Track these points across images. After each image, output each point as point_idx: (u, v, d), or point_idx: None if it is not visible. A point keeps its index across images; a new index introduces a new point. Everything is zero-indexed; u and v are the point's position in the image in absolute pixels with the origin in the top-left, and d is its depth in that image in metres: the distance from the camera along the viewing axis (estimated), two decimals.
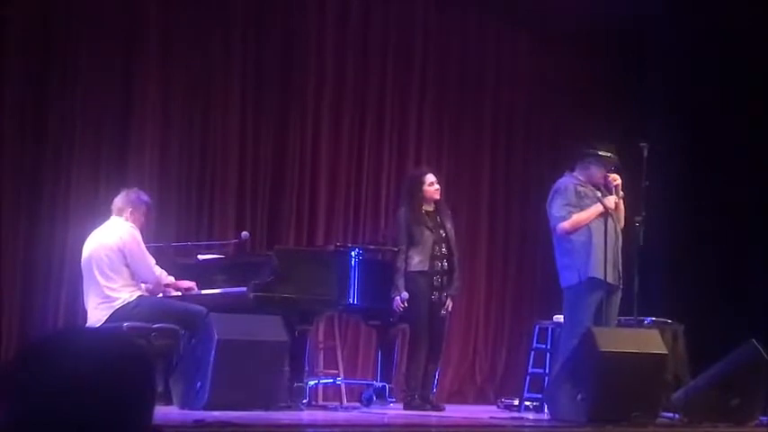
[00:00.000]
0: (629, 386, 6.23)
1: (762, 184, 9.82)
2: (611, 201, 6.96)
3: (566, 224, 6.93)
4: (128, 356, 1.54)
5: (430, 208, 7.57)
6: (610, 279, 6.83)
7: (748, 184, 9.84)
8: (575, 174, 7.13)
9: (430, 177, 7.59)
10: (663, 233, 9.00)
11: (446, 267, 7.48)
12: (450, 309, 7.52)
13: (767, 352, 6.93)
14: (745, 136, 9.85)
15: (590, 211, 6.93)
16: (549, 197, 7.08)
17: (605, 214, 6.88)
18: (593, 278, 6.80)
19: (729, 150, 9.89)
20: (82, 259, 6.75)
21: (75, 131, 7.90)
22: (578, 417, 6.15)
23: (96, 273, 6.63)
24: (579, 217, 6.92)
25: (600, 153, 7.10)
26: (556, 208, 6.98)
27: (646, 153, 7.03)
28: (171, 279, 6.94)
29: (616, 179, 7.08)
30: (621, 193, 7.09)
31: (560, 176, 7.19)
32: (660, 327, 7.45)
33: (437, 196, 7.55)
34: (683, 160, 9.99)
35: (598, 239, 6.84)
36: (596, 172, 7.08)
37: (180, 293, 6.99)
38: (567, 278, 6.94)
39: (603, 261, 6.78)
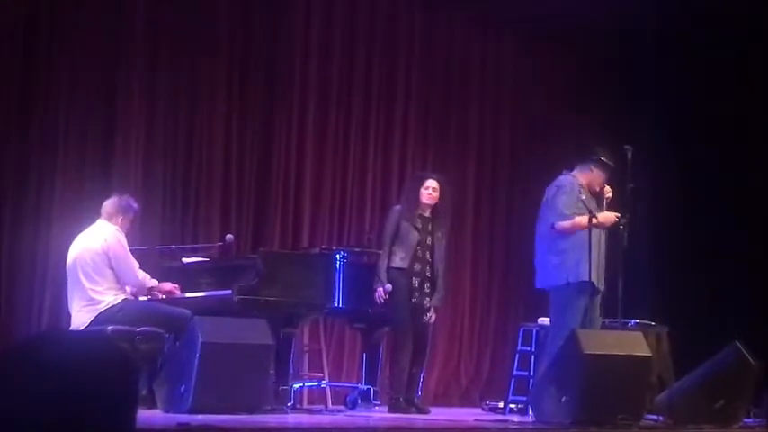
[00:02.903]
0: (614, 388, 6.24)
1: (746, 187, 9.86)
2: (610, 217, 6.98)
3: (566, 224, 6.94)
4: (110, 360, 1.54)
5: (426, 214, 7.57)
6: (596, 282, 6.88)
7: (733, 186, 9.87)
8: (574, 174, 7.16)
9: (429, 182, 7.59)
10: (647, 235, 9.04)
11: (428, 274, 7.48)
12: (432, 320, 7.53)
13: (751, 354, 6.96)
14: (732, 138, 9.89)
15: (586, 219, 6.95)
16: (552, 193, 7.07)
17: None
18: (584, 282, 6.84)
19: (715, 153, 9.92)
20: (67, 262, 6.73)
21: (59, 133, 7.88)
22: (563, 419, 6.16)
23: (81, 275, 6.61)
24: (581, 221, 6.94)
25: (603, 159, 7.14)
26: (561, 206, 6.98)
27: (630, 156, 7.05)
28: (154, 282, 6.93)
29: (609, 192, 7.16)
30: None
31: (558, 174, 7.22)
32: (644, 329, 7.47)
33: (429, 201, 7.54)
34: (667, 162, 10.02)
35: (587, 243, 6.87)
36: (597, 177, 7.16)
37: (164, 296, 6.98)
38: (554, 278, 6.96)
39: (589, 264, 6.82)
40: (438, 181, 7.66)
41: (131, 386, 1.56)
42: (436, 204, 7.58)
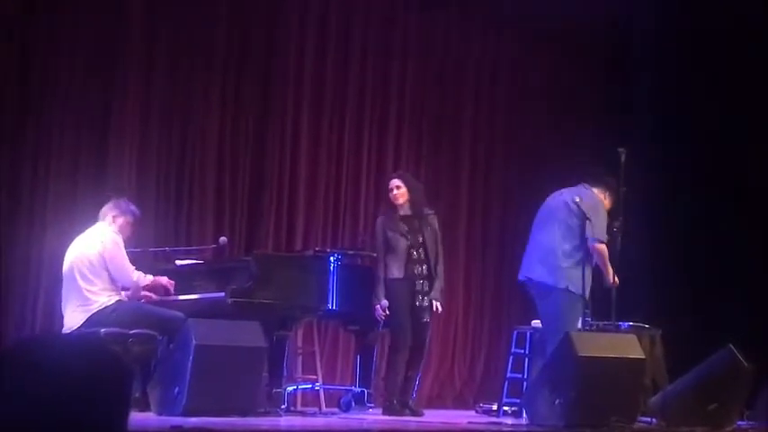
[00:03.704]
0: (607, 391, 6.24)
1: (743, 189, 9.86)
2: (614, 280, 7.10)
3: (602, 250, 6.95)
4: (103, 363, 1.54)
5: (408, 213, 7.58)
6: (587, 297, 7.05)
7: (726, 189, 9.88)
8: (596, 192, 7.16)
9: (391, 183, 7.66)
10: (640, 238, 9.03)
11: (425, 272, 7.48)
12: (439, 310, 7.51)
13: (744, 357, 6.97)
14: (725, 140, 9.89)
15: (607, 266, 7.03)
16: (592, 203, 7.04)
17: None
18: (582, 295, 6.88)
19: (708, 154, 9.93)
20: (64, 264, 6.73)
21: (54, 135, 7.87)
22: (556, 421, 6.16)
23: (77, 276, 6.62)
24: (608, 268, 7.00)
25: (616, 191, 7.17)
26: (601, 228, 7.00)
27: (623, 158, 7.06)
28: (149, 278, 6.91)
29: None
30: None
31: (564, 179, 7.22)
32: (638, 331, 7.48)
33: (398, 201, 7.57)
34: (662, 163, 10.03)
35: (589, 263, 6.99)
36: (608, 204, 7.17)
37: (156, 297, 6.97)
38: (555, 279, 6.96)
39: (583, 279, 6.91)
40: (400, 177, 7.71)
41: (123, 389, 1.56)
42: (412, 200, 7.59)
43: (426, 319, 7.47)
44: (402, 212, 7.57)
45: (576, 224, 7.03)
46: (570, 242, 7.02)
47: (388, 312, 7.38)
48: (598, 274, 7.10)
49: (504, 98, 10.52)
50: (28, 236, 7.66)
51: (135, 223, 6.97)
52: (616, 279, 7.04)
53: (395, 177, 7.76)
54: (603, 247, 7.00)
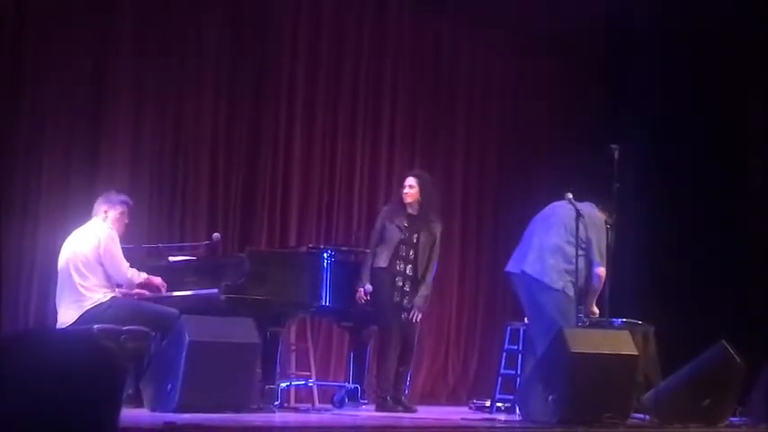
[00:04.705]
0: (601, 387, 6.25)
1: (733, 186, 9.88)
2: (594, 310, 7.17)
3: (603, 276, 6.98)
4: (96, 359, 1.53)
5: (414, 212, 7.56)
6: None
7: (719, 186, 9.90)
8: (600, 215, 7.15)
9: (407, 180, 7.64)
10: (634, 235, 9.05)
11: (409, 273, 7.46)
12: (415, 318, 7.48)
13: (737, 353, 6.98)
14: (725, 140, 9.91)
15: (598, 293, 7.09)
16: (597, 224, 7.04)
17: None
18: (577, 300, 6.91)
19: (702, 153, 9.95)
20: (59, 259, 6.72)
21: (46, 132, 7.85)
22: (550, 418, 6.16)
23: (73, 271, 6.62)
24: (596, 295, 7.04)
25: (610, 217, 7.17)
26: (604, 250, 7.01)
27: (616, 155, 7.05)
28: (144, 275, 6.90)
29: None
30: None
31: (583, 199, 7.17)
32: (631, 328, 7.48)
33: (407, 199, 7.55)
34: (653, 162, 10.04)
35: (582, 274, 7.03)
36: None
37: (150, 293, 6.97)
38: (551, 279, 6.95)
39: (576, 286, 6.92)
40: (417, 177, 7.66)
41: (116, 384, 1.56)
42: (421, 203, 7.57)
43: (404, 317, 7.42)
44: (409, 210, 7.57)
45: (576, 233, 6.99)
46: (573, 248, 7.01)
47: (368, 297, 7.37)
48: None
49: (500, 97, 10.52)
50: (21, 232, 7.65)
51: (128, 213, 6.94)
52: (595, 309, 7.08)
53: (411, 176, 7.71)
54: (599, 273, 7.02)
